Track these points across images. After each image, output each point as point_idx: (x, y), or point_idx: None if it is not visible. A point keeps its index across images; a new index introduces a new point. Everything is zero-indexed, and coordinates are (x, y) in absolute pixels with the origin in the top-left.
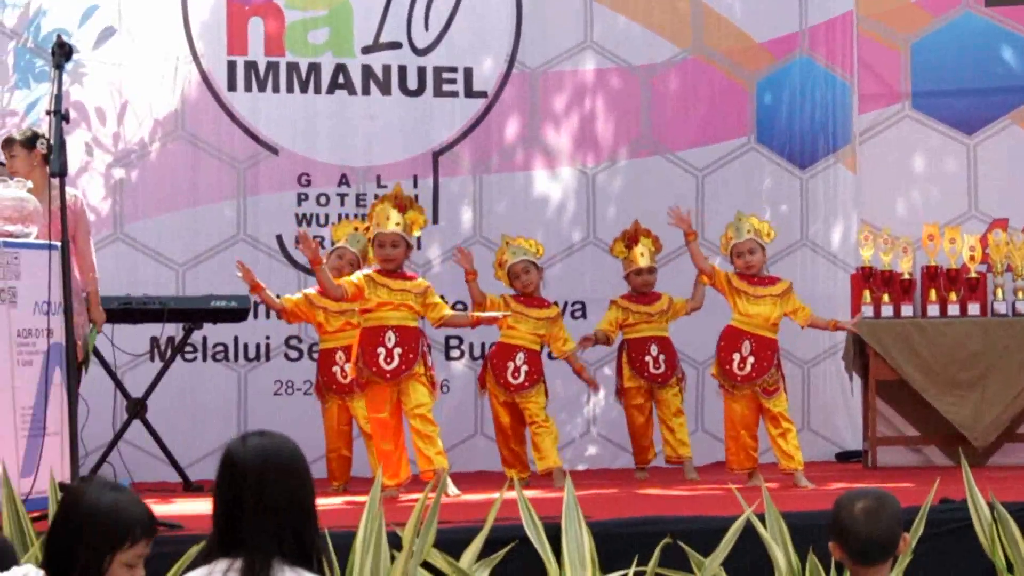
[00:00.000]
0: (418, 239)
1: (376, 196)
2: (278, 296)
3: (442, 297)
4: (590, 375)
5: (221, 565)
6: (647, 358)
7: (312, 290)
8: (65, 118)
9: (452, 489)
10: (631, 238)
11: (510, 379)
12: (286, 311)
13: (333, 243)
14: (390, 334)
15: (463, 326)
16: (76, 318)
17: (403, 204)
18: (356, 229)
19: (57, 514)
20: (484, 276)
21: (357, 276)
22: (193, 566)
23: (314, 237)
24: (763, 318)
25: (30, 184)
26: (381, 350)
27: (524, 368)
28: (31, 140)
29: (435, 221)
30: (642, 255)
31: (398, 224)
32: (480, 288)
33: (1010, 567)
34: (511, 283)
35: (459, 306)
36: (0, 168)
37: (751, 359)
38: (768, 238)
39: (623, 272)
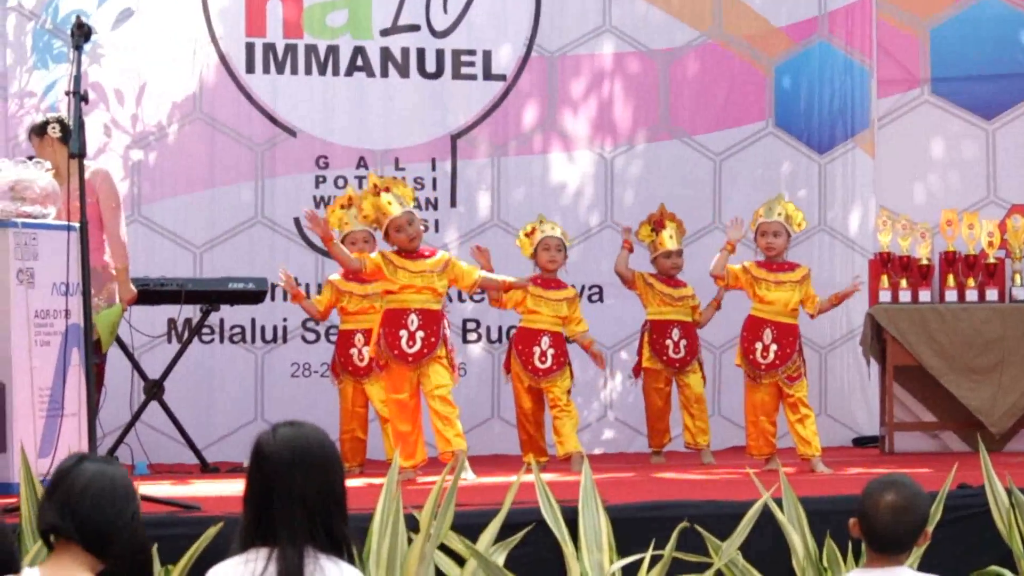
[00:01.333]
0: (436, 222)
1: (395, 179)
2: (296, 282)
3: None
4: (597, 350)
5: (260, 554)
6: (668, 341)
7: (336, 275)
8: (84, 99)
9: (469, 474)
10: (657, 222)
11: (538, 363)
12: (320, 312)
13: (336, 231)
14: (413, 317)
15: (496, 290)
16: (94, 299)
17: (384, 187)
18: (343, 207)
19: None
20: (502, 260)
21: (373, 257)
22: (219, 551)
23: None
24: (783, 304)
25: (48, 165)
26: (403, 333)
27: (551, 351)
28: (40, 127)
29: (453, 204)
30: (671, 237)
31: (400, 203)
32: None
33: None
34: (536, 256)
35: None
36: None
37: (773, 347)
38: (798, 227)
39: (649, 256)
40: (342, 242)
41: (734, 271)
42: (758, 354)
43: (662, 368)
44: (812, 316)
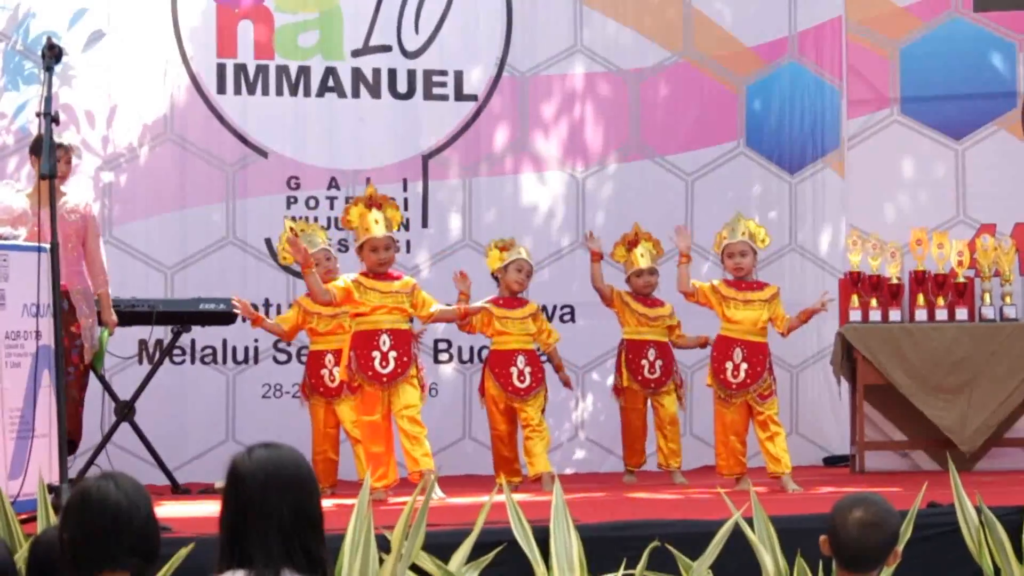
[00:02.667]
0: (407, 243)
1: (388, 199)
2: (267, 304)
3: None
4: (566, 375)
5: (237, 575)
6: (643, 361)
7: (304, 297)
8: (55, 120)
9: (438, 492)
10: (631, 241)
11: (517, 383)
12: (285, 333)
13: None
14: (385, 337)
15: (451, 320)
16: (84, 320)
17: (378, 203)
18: (303, 230)
19: None
20: (473, 282)
21: (344, 280)
22: (189, 573)
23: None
24: (751, 323)
25: (19, 186)
26: (376, 354)
27: (528, 370)
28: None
29: (424, 225)
30: (642, 255)
31: (386, 225)
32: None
33: (997, 572)
34: (505, 273)
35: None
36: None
37: (744, 366)
38: (763, 244)
39: (624, 276)
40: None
41: (703, 288)
42: (728, 374)
43: (638, 388)
44: (783, 335)
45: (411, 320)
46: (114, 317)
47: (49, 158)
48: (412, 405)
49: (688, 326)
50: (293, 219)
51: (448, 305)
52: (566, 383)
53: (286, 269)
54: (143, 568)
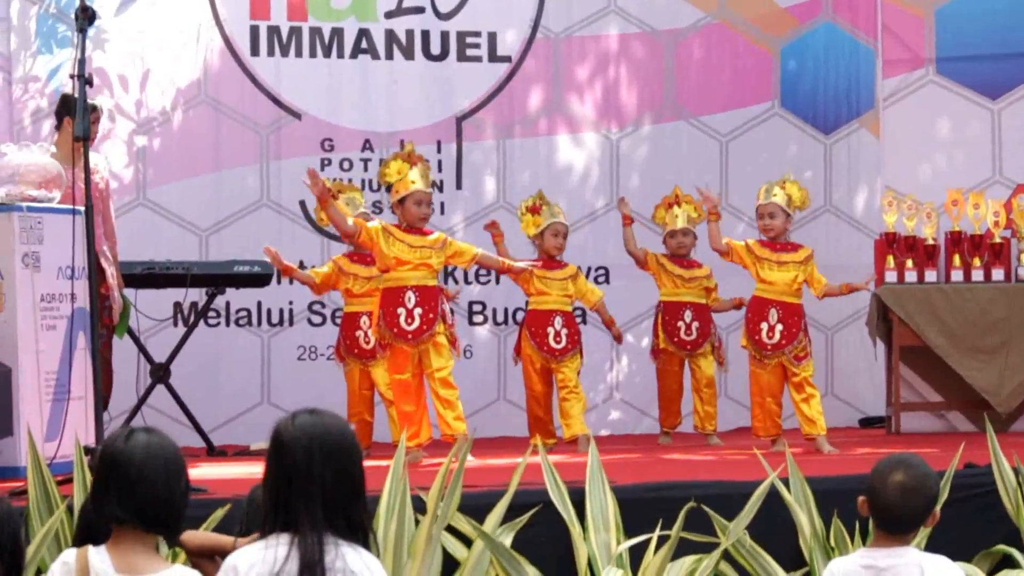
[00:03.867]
0: (441, 204)
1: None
2: (302, 266)
3: None
4: (618, 329)
5: (280, 540)
6: (680, 323)
7: (341, 256)
8: (89, 82)
9: (470, 459)
10: (671, 203)
11: (553, 344)
12: (316, 284)
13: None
14: (410, 294)
15: (493, 268)
16: (111, 281)
17: (414, 159)
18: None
19: None
20: (508, 243)
21: (372, 225)
22: (225, 534)
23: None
24: (786, 284)
25: (53, 149)
26: (401, 311)
27: (564, 331)
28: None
29: (458, 187)
30: (677, 216)
31: (424, 182)
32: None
33: None
34: (543, 239)
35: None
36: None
37: (779, 327)
38: (800, 206)
39: (661, 237)
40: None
41: (737, 247)
42: (763, 334)
43: (675, 350)
44: (819, 298)
45: (439, 276)
46: (121, 280)
47: (83, 120)
48: (443, 367)
49: (725, 287)
50: (331, 181)
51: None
52: (617, 337)
53: (320, 231)
54: (158, 532)
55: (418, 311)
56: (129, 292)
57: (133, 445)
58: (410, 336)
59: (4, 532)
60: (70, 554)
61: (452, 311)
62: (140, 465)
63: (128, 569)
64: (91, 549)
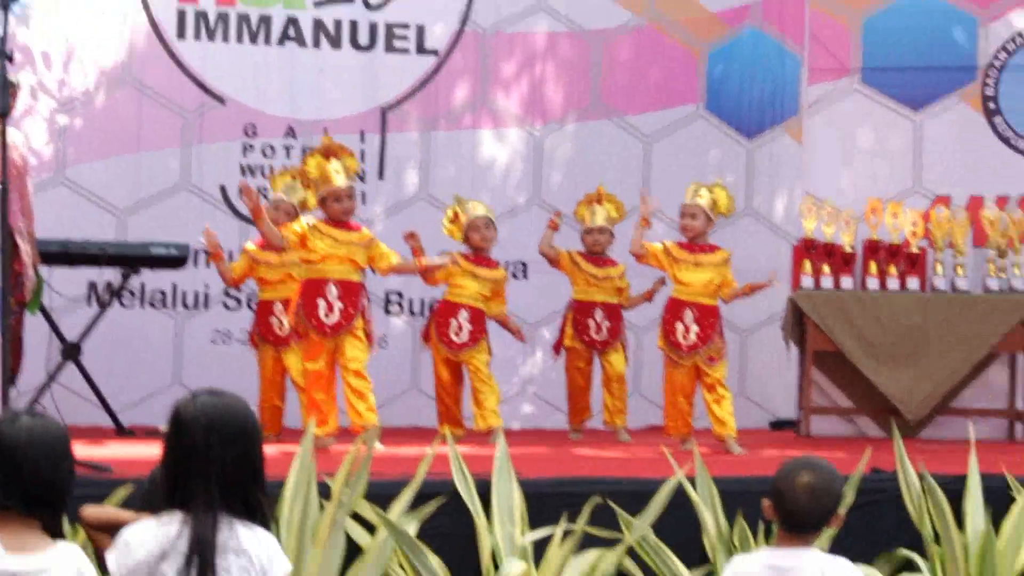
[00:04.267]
0: (363, 194)
1: (343, 147)
2: (224, 252)
3: None
4: (515, 325)
5: (174, 518)
6: (591, 322)
7: (252, 245)
8: (9, 58)
9: (378, 446)
10: (593, 201)
11: (453, 337)
12: (231, 279)
13: (271, 193)
14: (332, 287)
15: (411, 273)
16: (24, 258)
17: (334, 152)
18: (293, 178)
19: None
20: (430, 237)
21: (301, 225)
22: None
23: (257, 188)
24: (702, 285)
25: None
26: (322, 303)
27: (467, 326)
28: None
29: (380, 177)
30: (596, 214)
31: (345, 176)
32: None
33: (937, 538)
34: (467, 237)
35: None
36: None
37: (695, 327)
38: (727, 213)
39: (580, 233)
40: (269, 206)
41: (653, 249)
42: (679, 335)
43: (583, 348)
44: (726, 301)
45: (363, 272)
46: (38, 256)
47: (2, 96)
48: (357, 359)
49: (639, 286)
50: (285, 169)
51: (406, 259)
52: (516, 333)
53: (239, 216)
54: (42, 514)
55: (339, 305)
56: (44, 270)
57: (17, 429)
58: (328, 329)
59: None
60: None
61: (367, 305)
62: (24, 450)
63: (17, 548)
64: None
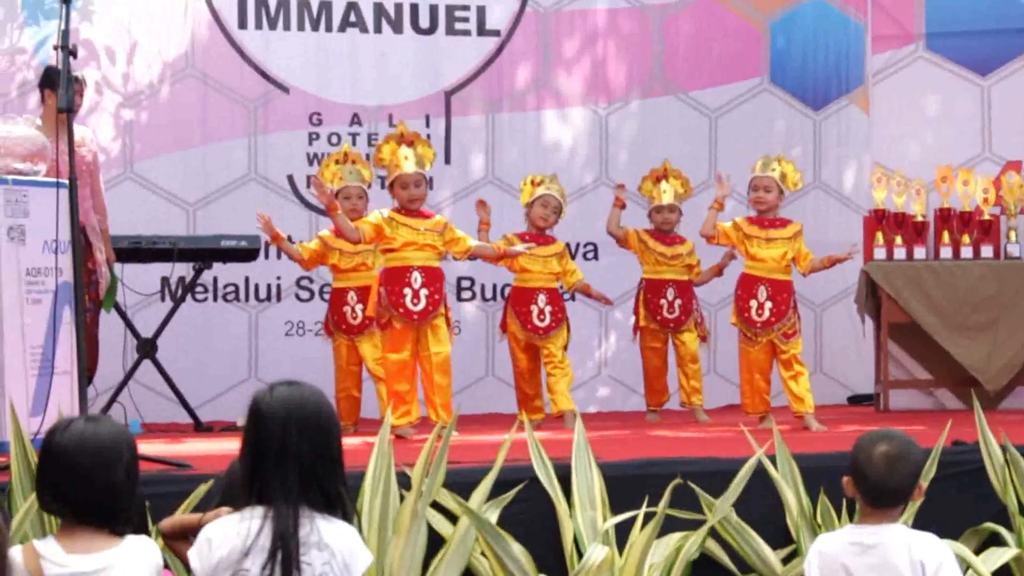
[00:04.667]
0: (430, 179)
1: (420, 137)
2: (290, 240)
3: None
4: (598, 292)
5: (255, 512)
6: (662, 301)
7: (327, 231)
8: (73, 54)
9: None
10: (659, 176)
11: (536, 322)
12: (304, 260)
13: (328, 186)
14: (416, 275)
15: (489, 258)
16: (99, 255)
17: (410, 140)
18: (338, 163)
19: None
20: (497, 218)
21: (376, 216)
22: (211, 504)
23: (319, 178)
24: (775, 261)
25: (38, 122)
26: (408, 291)
27: (548, 308)
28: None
29: (447, 161)
30: (664, 192)
31: (416, 162)
32: (489, 239)
33: (1022, 509)
34: (531, 208)
35: None
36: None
37: (768, 304)
38: (793, 187)
39: (647, 211)
40: (338, 196)
41: (724, 229)
42: (753, 312)
43: (657, 328)
44: (804, 274)
45: (443, 258)
46: (113, 253)
47: (67, 92)
48: (440, 351)
49: (708, 263)
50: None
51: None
52: (602, 299)
53: (308, 206)
54: (99, 519)
55: (424, 291)
56: (116, 267)
57: (67, 437)
58: (416, 316)
59: None
60: (16, 551)
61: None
62: (71, 458)
63: (78, 549)
64: (36, 542)
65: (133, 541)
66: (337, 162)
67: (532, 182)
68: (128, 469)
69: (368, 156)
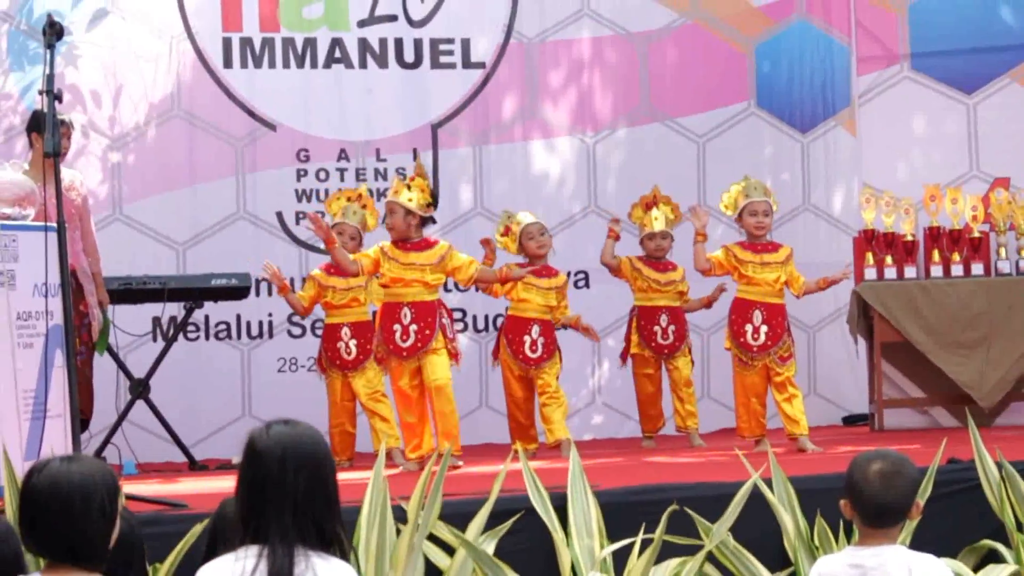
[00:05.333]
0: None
1: (376, 170)
2: (286, 279)
3: None
4: (586, 324)
5: (250, 552)
6: (656, 328)
7: (318, 270)
8: (58, 98)
9: (455, 461)
10: (649, 203)
11: (528, 353)
12: (304, 308)
13: (329, 216)
14: (406, 311)
15: (492, 282)
16: (91, 298)
17: (413, 176)
18: (349, 200)
19: None
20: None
21: (374, 249)
22: (211, 545)
23: (316, 213)
24: (769, 284)
25: (25, 166)
26: (397, 327)
27: (540, 340)
28: (28, 124)
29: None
30: (656, 219)
31: (395, 192)
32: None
33: (1020, 526)
34: (524, 246)
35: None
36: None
37: (764, 328)
38: (775, 206)
39: (638, 238)
40: (332, 230)
41: (716, 259)
42: (749, 336)
43: (650, 354)
44: (797, 297)
45: (437, 289)
46: (106, 296)
47: (53, 136)
48: (439, 377)
49: (698, 288)
50: (340, 191)
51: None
52: (589, 332)
53: (298, 242)
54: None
55: (413, 327)
56: (108, 308)
57: (41, 479)
58: (404, 353)
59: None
60: None
61: (448, 323)
62: (45, 499)
63: None
64: None
65: None
66: (349, 199)
67: (503, 235)
68: (103, 509)
69: (360, 196)
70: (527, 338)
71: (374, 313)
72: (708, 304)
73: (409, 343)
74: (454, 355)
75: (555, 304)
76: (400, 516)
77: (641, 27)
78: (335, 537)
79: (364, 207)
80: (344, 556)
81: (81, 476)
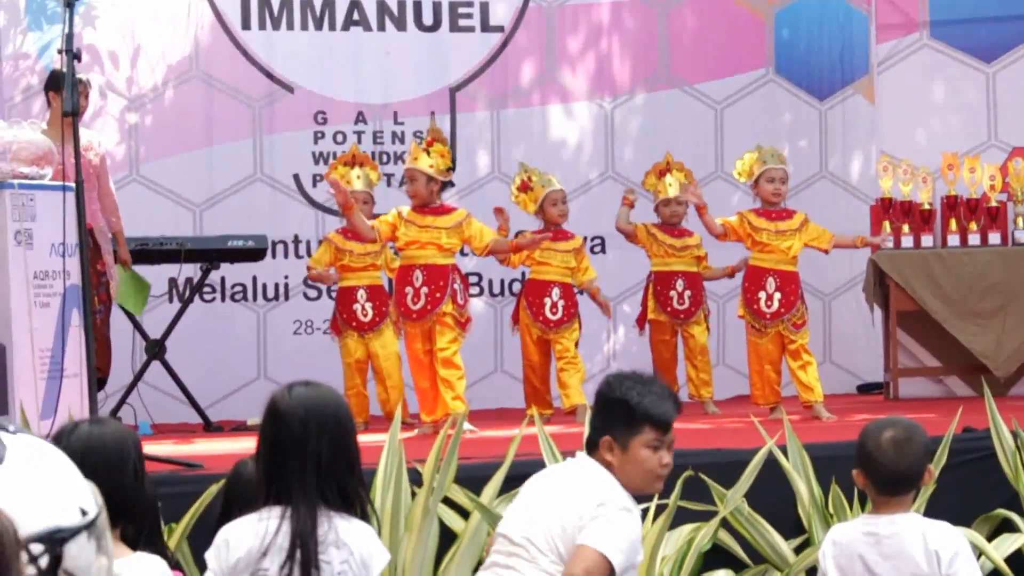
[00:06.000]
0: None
1: (393, 133)
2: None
3: None
4: (604, 299)
5: (272, 513)
6: (672, 292)
7: (335, 233)
8: (77, 57)
9: (468, 426)
10: (662, 170)
11: (549, 315)
12: (370, 233)
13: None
14: (418, 273)
15: (505, 252)
16: (108, 257)
17: (430, 140)
18: (346, 165)
19: None
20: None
21: (392, 214)
22: (225, 506)
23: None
24: (783, 252)
25: (43, 126)
26: (409, 290)
27: (561, 303)
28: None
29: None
30: (671, 185)
31: (414, 159)
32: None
33: None
34: (545, 211)
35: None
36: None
37: (777, 295)
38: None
39: (653, 204)
40: None
41: (731, 224)
42: (762, 303)
43: (667, 319)
44: (828, 252)
45: (453, 255)
46: (128, 255)
47: (72, 95)
48: (444, 348)
49: (716, 255)
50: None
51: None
52: (604, 307)
53: (315, 204)
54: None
55: (424, 290)
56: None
57: (74, 441)
58: (414, 316)
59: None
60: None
61: (459, 289)
62: (80, 461)
63: None
64: None
65: (143, 557)
66: (345, 164)
67: (521, 188)
68: (135, 469)
69: (375, 155)
70: (548, 300)
71: (389, 281)
72: (731, 274)
73: (419, 306)
74: (463, 323)
75: (575, 265)
76: (415, 479)
77: None
78: (357, 498)
79: (362, 165)
80: (365, 517)
81: (114, 437)
